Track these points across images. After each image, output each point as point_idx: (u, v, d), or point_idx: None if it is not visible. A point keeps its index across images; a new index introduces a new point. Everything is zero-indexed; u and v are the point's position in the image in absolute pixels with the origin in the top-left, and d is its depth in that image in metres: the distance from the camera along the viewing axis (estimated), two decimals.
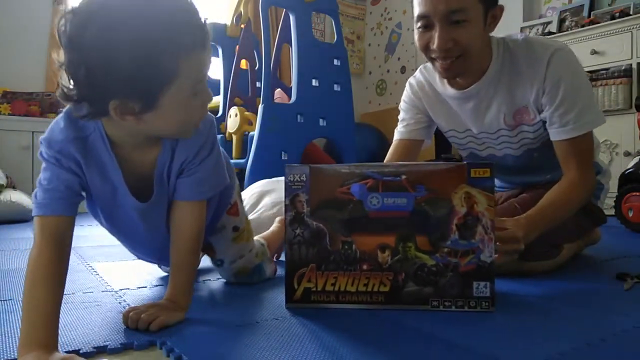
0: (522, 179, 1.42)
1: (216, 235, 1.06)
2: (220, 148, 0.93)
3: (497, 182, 1.49)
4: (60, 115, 0.78)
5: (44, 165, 0.79)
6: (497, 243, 0.94)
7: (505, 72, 1.21)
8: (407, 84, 1.42)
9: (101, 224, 0.96)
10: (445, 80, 1.27)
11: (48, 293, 0.70)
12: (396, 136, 1.43)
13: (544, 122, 1.21)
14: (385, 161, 1.40)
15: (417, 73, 1.39)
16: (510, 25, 3.20)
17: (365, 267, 0.90)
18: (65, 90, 0.68)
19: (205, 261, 1.42)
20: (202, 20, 0.74)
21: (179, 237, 0.87)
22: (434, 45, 1.11)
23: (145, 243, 0.99)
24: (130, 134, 0.79)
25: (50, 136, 0.78)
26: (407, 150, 1.40)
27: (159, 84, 0.69)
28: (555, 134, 1.18)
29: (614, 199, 2.13)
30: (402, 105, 1.44)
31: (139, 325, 0.78)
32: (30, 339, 0.65)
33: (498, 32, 1.23)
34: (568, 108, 1.15)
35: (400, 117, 1.44)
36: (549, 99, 1.16)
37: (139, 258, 1.10)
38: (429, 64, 1.29)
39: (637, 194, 2.08)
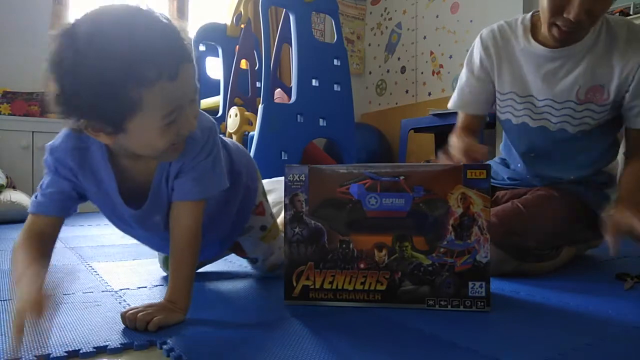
0: (550, 169, 1.37)
1: (245, 236, 1.12)
2: (228, 153, 0.98)
3: (508, 173, 1.47)
4: (65, 129, 0.83)
5: (45, 170, 0.85)
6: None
7: (601, 44, 1.21)
8: (476, 40, 1.38)
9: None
10: (530, 37, 1.27)
11: (30, 256, 0.78)
12: (459, 107, 1.41)
13: (613, 108, 1.23)
14: (457, 127, 1.38)
15: (494, 27, 1.35)
16: None
17: (362, 265, 0.91)
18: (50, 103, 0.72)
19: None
20: (178, 44, 0.72)
21: (176, 236, 0.87)
22: (570, 15, 1.10)
23: (147, 240, 1.05)
24: (122, 147, 0.79)
25: (53, 144, 0.84)
26: (475, 122, 1.40)
27: (121, 113, 0.70)
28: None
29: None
30: (465, 69, 1.40)
31: (137, 325, 0.78)
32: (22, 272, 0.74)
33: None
34: None
35: (459, 85, 1.41)
36: (637, 85, 1.18)
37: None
38: (509, 22, 1.31)
39: None
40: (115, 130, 0.73)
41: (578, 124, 1.27)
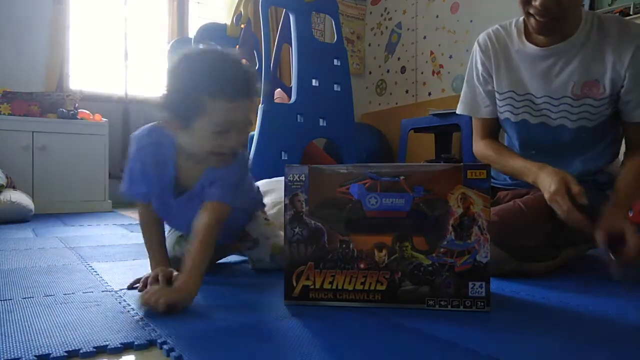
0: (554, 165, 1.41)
1: (250, 223, 1.30)
2: (252, 184, 1.32)
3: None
4: (152, 123, 1.08)
5: (130, 157, 1.08)
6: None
7: (592, 40, 1.24)
8: (475, 45, 1.42)
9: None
10: (524, 38, 1.31)
11: (156, 231, 1.14)
12: (469, 112, 1.45)
13: (610, 102, 1.25)
14: (477, 137, 1.44)
15: (490, 30, 1.40)
16: None
17: (362, 265, 0.91)
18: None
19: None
20: (243, 83, 0.97)
21: (199, 227, 1.00)
22: (537, 2, 1.15)
23: (174, 221, 1.23)
24: (184, 145, 1.02)
25: (138, 135, 1.08)
26: (493, 126, 1.45)
27: (192, 114, 0.95)
28: (638, 115, 1.24)
29: None
30: (472, 75, 1.43)
31: (145, 301, 0.88)
32: (157, 261, 1.10)
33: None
34: None
35: (467, 91, 1.45)
36: (635, 81, 1.20)
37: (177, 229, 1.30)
38: (504, 25, 1.34)
39: None
40: (185, 125, 0.97)
41: (577, 119, 1.30)
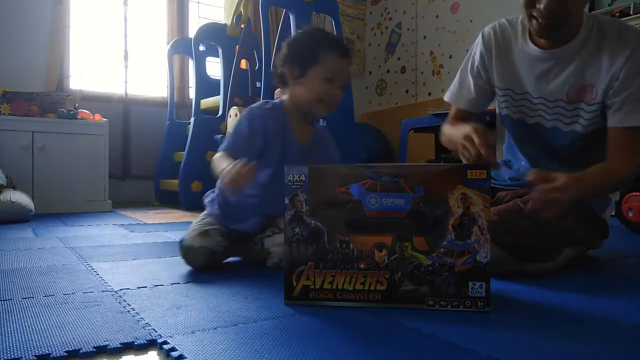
0: (550, 168, 1.39)
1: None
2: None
3: (510, 174, 1.47)
4: (260, 102, 1.34)
5: (249, 115, 1.31)
6: (540, 192, 1.01)
7: (591, 44, 1.23)
8: (479, 36, 1.41)
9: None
10: (527, 38, 1.30)
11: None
12: (452, 100, 1.45)
13: (602, 108, 1.23)
14: (447, 124, 1.41)
15: (496, 24, 1.39)
16: None
17: (362, 265, 0.91)
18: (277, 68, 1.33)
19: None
20: (346, 48, 1.29)
21: None
22: (541, 5, 1.13)
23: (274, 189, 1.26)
24: (293, 105, 1.32)
25: (249, 107, 1.33)
26: (466, 117, 1.42)
27: (309, 63, 1.25)
28: (617, 120, 1.20)
29: (615, 200, 2.13)
30: (469, 65, 1.43)
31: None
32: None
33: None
34: (639, 97, 1.17)
35: (459, 79, 1.44)
36: (622, 85, 1.18)
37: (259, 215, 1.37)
38: (511, 20, 1.33)
39: (637, 194, 2.08)
40: (301, 73, 1.26)
41: (570, 123, 1.30)
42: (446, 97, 1.48)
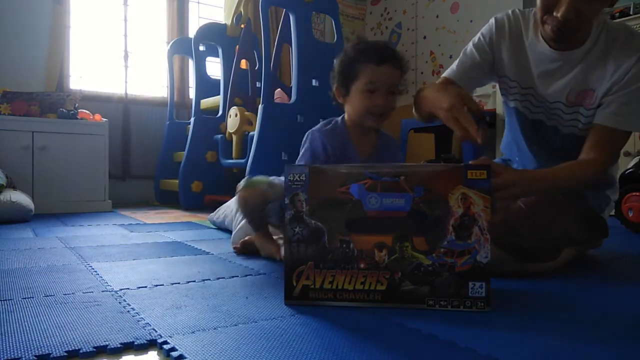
0: (551, 165, 1.39)
1: None
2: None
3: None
4: (321, 123, 1.36)
5: (311, 139, 1.32)
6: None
7: (598, 48, 1.22)
8: (491, 20, 1.39)
9: None
10: (539, 34, 1.28)
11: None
12: (446, 73, 1.42)
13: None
14: (429, 87, 1.34)
15: (510, 12, 1.37)
16: None
17: (362, 265, 0.91)
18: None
19: (202, 260, 1.42)
20: (390, 55, 1.24)
21: None
22: (559, 13, 1.12)
23: None
24: (350, 121, 1.32)
25: (310, 130, 1.35)
26: None
27: (349, 80, 1.26)
28: (603, 117, 1.20)
29: (614, 199, 2.13)
30: (475, 40, 1.41)
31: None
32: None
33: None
34: (630, 101, 1.17)
35: (461, 56, 1.42)
36: (620, 88, 1.18)
37: None
38: (524, 11, 1.32)
39: (637, 194, 2.08)
40: (346, 92, 1.28)
41: (567, 125, 1.30)
42: (446, 73, 1.43)
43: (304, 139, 1.34)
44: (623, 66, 1.18)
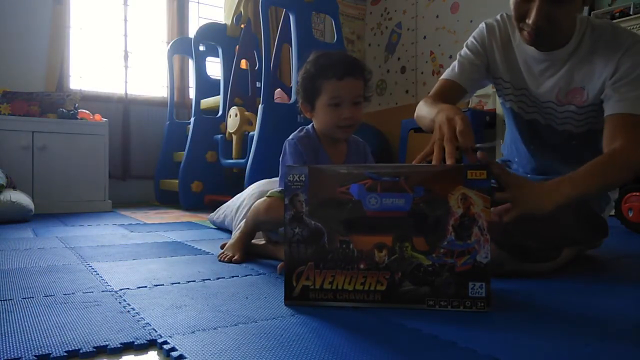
0: (550, 165, 1.40)
1: None
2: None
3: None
4: (296, 131, 1.35)
5: (290, 150, 1.31)
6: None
7: (584, 47, 1.23)
8: (482, 25, 1.40)
9: None
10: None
11: None
12: (445, 76, 1.41)
13: (598, 109, 1.22)
14: (431, 95, 1.36)
15: (498, 17, 1.38)
16: None
17: (362, 266, 0.91)
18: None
19: (202, 260, 1.42)
20: (349, 65, 1.23)
21: None
22: (530, 20, 1.14)
23: None
24: (318, 128, 1.32)
25: (292, 135, 1.34)
26: (454, 92, 1.38)
27: (313, 96, 1.26)
28: (612, 107, 1.18)
29: (614, 199, 2.14)
30: (468, 43, 1.42)
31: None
32: None
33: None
34: (635, 87, 1.16)
35: (457, 59, 1.42)
36: (618, 77, 1.17)
37: None
38: (510, 15, 1.30)
39: (637, 194, 2.09)
40: (311, 108, 1.28)
41: (561, 123, 1.31)
42: (445, 75, 1.42)
43: (283, 149, 1.34)
44: (611, 60, 1.18)
